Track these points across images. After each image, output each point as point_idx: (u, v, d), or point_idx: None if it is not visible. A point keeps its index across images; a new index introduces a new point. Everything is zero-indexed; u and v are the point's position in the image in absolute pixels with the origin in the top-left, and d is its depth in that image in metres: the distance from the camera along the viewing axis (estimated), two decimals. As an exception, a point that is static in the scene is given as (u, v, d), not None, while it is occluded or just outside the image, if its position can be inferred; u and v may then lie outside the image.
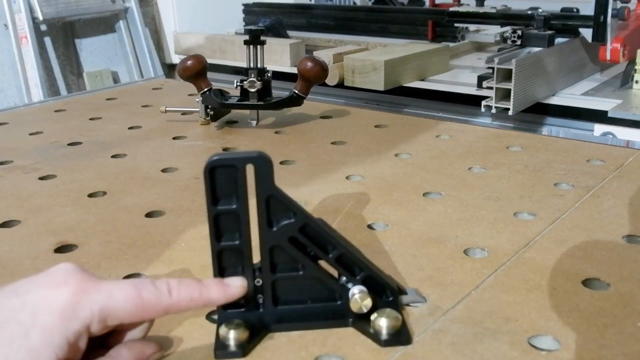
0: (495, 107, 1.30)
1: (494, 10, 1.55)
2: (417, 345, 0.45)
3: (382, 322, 0.45)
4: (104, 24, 2.42)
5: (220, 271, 0.46)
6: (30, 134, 0.98)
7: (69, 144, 0.92)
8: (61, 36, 2.32)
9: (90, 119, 1.06)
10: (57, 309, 0.38)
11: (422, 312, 0.48)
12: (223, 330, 0.45)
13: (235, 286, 0.45)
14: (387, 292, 0.47)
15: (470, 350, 0.44)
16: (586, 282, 0.52)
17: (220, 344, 0.44)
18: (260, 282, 0.46)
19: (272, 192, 0.44)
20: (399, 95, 1.50)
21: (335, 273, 0.47)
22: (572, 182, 0.73)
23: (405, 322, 0.46)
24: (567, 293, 0.50)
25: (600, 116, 1.26)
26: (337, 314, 0.47)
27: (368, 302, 0.45)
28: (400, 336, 0.45)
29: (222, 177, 0.44)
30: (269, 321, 0.46)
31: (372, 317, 0.45)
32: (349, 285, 0.46)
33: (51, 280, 0.40)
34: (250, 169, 0.44)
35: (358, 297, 0.45)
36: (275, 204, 0.45)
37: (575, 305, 0.49)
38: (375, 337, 0.45)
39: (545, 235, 0.60)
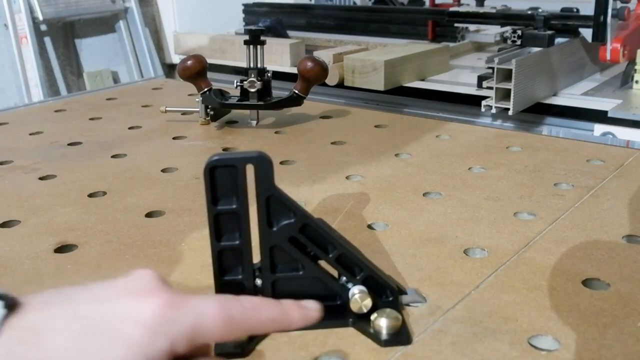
0: (495, 107, 1.30)
1: (494, 10, 1.55)
2: (417, 345, 0.45)
3: (382, 322, 0.45)
4: (104, 24, 2.42)
5: (221, 271, 0.46)
6: (30, 134, 0.98)
7: (69, 144, 0.92)
8: (61, 36, 2.32)
9: (90, 119, 1.06)
10: (144, 322, 0.34)
11: (422, 312, 0.48)
12: None
13: (314, 309, 0.44)
14: (387, 292, 0.47)
15: (470, 350, 0.44)
16: (586, 282, 0.52)
17: (220, 344, 0.44)
18: (260, 282, 0.46)
19: (272, 192, 0.44)
20: (399, 95, 1.50)
21: (335, 273, 0.47)
22: (572, 182, 0.73)
23: (405, 322, 0.46)
24: (567, 293, 0.50)
25: (600, 116, 1.26)
26: (337, 313, 0.47)
27: (368, 302, 0.45)
28: (400, 336, 0.45)
29: (222, 177, 0.44)
30: None
31: (372, 317, 0.45)
32: (349, 285, 0.46)
33: (136, 288, 0.36)
34: (250, 169, 0.44)
35: (358, 297, 0.45)
36: (275, 204, 0.45)
37: (575, 305, 0.49)
38: (375, 337, 0.45)
39: (545, 235, 0.60)
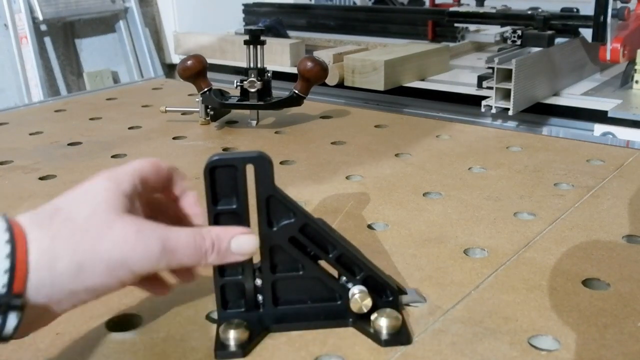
0: (495, 107, 1.30)
1: (494, 10, 1.55)
2: (417, 345, 0.45)
3: (382, 322, 0.45)
4: (104, 24, 2.42)
5: (221, 271, 0.46)
6: (30, 134, 0.98)
7: (69, 144, 0.92)
8: (61, 36, 2.32)
9: (90, 119, 1.06)
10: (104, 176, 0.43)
11: (422, 312, 0.48)
12: (223, 330, 0.45)
13: (244, 245, 0.44)
14: (386, 292, 0.47)
15: (470, 350, 0.44)
16: (586, 282, 0.52)
17: (220, 344, 0.44)
18: (260, 282, 0.46)
19: (272, 192, 0.44)
20: (399, 95, 1.50)
21: (335, 273, 0.47)
22: (572, 182, 0.73)
23: (405, 321, 0.46)
24: (567, 293, 0.50)
25: (600, 116, 1.26)
26: (337, 314, 0.47)
27: (368, 302, 0.45)
28: (400, 336, 0.45)
29: (222, 177, 0.44)
30: (269, 321, 0.46)
31: (372, 317, 0.45)
32: (349, 285, 0.46)
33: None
34: (250, 170, 0.44)
35: (358, 297, 0.45)
36: (275, 204, 0.45)
37: (575, 305, 0.49)
38: (375, 337, 0.45)
39: (545, 235, 0.60)
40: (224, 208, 0.44)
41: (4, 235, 0.36)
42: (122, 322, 0.49)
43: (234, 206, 0.44)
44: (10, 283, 0.35)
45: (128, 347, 0.45)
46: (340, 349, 0.44)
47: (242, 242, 0.43)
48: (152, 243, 0.39)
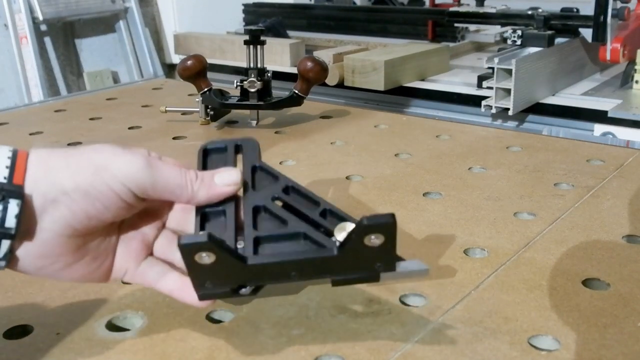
0: (495, 107, 1.30)
1: (494, 10, 1.55)
2: (417, 345, 0.45)
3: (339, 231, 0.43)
4: (104, 24, 2.42)
5: (202, 228, 0.44)
6: (30, 134, 0.98)
7: (69, 144, 0.92)
8: (61, 36, 2.32)
9: (91, 119, 1.06)
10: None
11: (422, 312, 0.48)
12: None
13: (227, 183, 0.44)
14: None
15: (470, 350, 0.44)
16: (586, 282, 0.52)
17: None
18: (242, 244, 0.44)
19: (257, 164, 0.46)
20: (399, 95, 1.50)
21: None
22: (572, 182, 0.73)
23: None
24: (567, 293, 0.50)
25: (600, 116, 1.26)
26: (321, 246, 0.44)
27: (349, 225, 0.43)
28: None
29: (213, 159, 0.46)
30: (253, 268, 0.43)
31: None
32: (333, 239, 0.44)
33: None
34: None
35: (340, 225, 0.43)
36: (260, 174, 0.46)
37: (575, 305, 0.49)
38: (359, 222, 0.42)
39: (545, 235, 0.60)
40: None
41: (8, 149, 0.40)
42: (122, 322, 0.49)
43: None
44: (11, 176, 0.38)
45: (128, 347, 0.45)
46: (340, 349, 0.44)
47: (224, 175, 0.44)
48: (137, 156, 0.42)
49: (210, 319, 0.49)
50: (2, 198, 0.37)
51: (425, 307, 0.49)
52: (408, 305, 0.49)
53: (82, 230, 0.40)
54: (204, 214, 0.44)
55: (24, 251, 0.39)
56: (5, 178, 0.38)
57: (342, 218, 0.45)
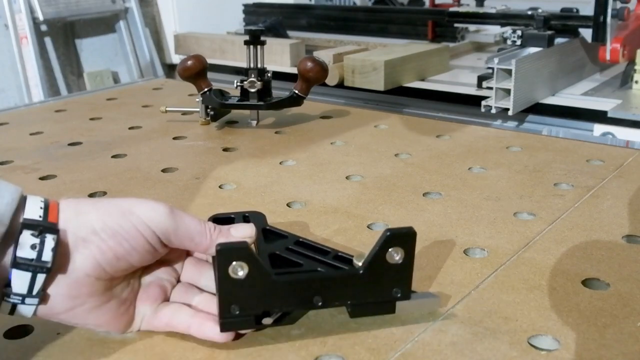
0: (495, 107, 1.30)
1: (494, 11, 1.55)
2: (417, 345, 0.45)
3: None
4: (104, 24, 2.42)
5: None
6: (30, 134, 0.98)
7: (69, 144, 0.93)
8: (61, 36, 2.32)
9: (91, 119, 1.06)
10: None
11: (422, 312, 0.48)
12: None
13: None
14: None
15: (470, 350, 0.44)
16: (586, 282, 0.52)
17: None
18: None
19: (267, 227, 0.51)
20: (399, 95, 1.50)
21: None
22: (572, 182, 0.73)
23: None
24: (567, 293, 0.50)
25: (600, 116, 1.26)
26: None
27: (366, 254, 0.45)
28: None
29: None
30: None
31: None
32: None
33: None
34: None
35: (358, 254, 0.46)
36: (271, 235, 0.50)
37: (575, 305, 0.49)
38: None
39: (545, 235, 0.60)
40: None
41: (39, 199, 0.43)
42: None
43: None
44: (46, 215, 0.41)
45: (128, 347, 0.46)
46: (340, 349, 0.44)
47: (240, 228, 0.47)
48: (160, 204, 0.44)
49: (210, 319, 0.49)
50: (39, 233, 0.40)
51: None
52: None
53: (110, 271, 0.42)
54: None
55: (55, 290, 0.41)
56: (40, 217, 0.41)
57: (352, 261, 0.47)
